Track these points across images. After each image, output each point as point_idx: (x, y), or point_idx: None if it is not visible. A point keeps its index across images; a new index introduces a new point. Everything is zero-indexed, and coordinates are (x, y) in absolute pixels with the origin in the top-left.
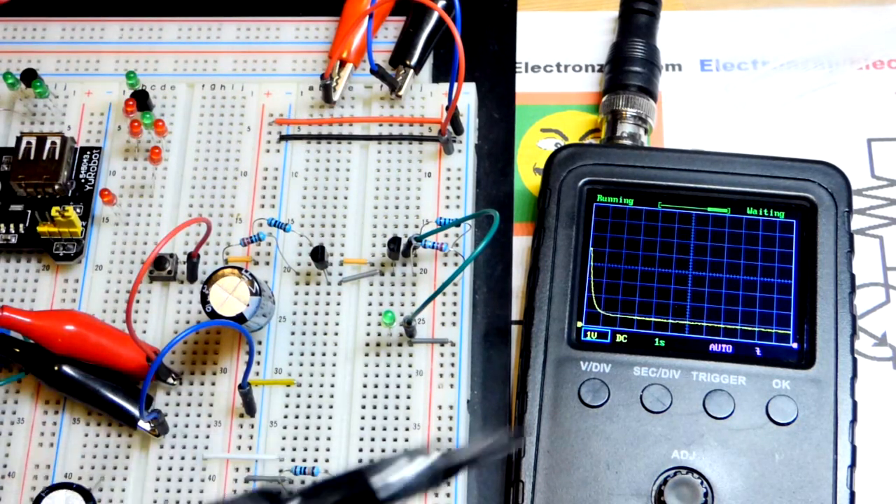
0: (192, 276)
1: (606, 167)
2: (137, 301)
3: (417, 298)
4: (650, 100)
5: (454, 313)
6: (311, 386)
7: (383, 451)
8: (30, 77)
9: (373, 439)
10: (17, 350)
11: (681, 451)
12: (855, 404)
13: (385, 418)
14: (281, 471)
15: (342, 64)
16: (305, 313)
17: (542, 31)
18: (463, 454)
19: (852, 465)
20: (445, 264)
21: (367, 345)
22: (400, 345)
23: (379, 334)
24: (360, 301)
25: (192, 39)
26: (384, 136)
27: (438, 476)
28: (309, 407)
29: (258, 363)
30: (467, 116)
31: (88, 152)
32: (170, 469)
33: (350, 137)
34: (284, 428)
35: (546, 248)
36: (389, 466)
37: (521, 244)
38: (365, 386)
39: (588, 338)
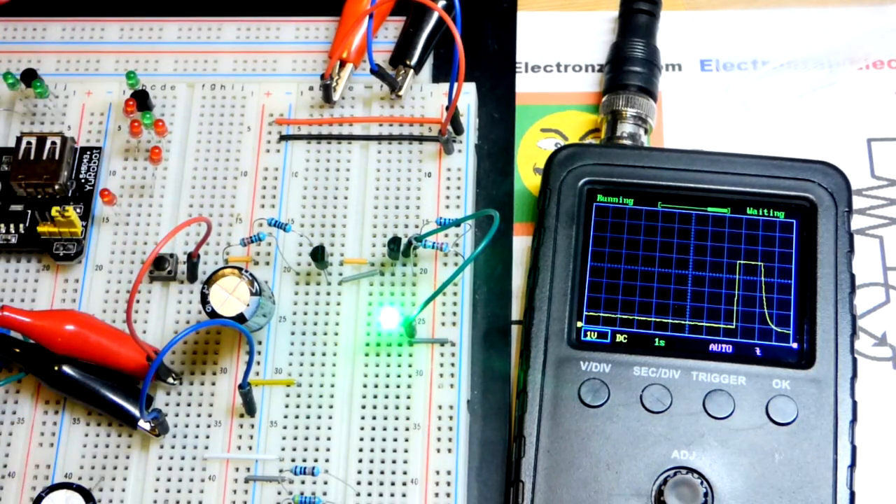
0: (192, 276)
1: (606, 167)
2: (137, 301)
3: (417, 298)
4: (650, 100)
5: (454, 313)
6: (311, 386)
7: (383, 451)
8: (30, 77)
9: (373, 439)
10: (17, 350)
11: (681, 451)
12: (855, 404)
13: (385, 418)
14: (281, 471)
15: (342, 64)
16: (305, 313)
17: (542, 31)
18: None
19: (852, 465)
20: (445, 264)
21: (368, 344)
22: (400, 345)
23: (379, 334)
24: (360, 301)
25: (192, 39)
26: (384, 136)
27: None
28: (309, 407)
29: (258, 363)
30: (467, 116)
31: (88, 152)
32: (170, 469)
33: (350, 137)
34: (284, 428)
35: (546, 248)
36: None
37: (521, 244)
38: (365, 386)
39: (588, 338)
